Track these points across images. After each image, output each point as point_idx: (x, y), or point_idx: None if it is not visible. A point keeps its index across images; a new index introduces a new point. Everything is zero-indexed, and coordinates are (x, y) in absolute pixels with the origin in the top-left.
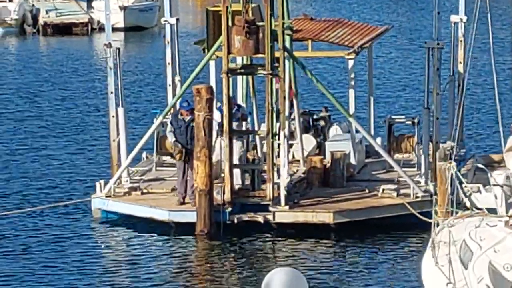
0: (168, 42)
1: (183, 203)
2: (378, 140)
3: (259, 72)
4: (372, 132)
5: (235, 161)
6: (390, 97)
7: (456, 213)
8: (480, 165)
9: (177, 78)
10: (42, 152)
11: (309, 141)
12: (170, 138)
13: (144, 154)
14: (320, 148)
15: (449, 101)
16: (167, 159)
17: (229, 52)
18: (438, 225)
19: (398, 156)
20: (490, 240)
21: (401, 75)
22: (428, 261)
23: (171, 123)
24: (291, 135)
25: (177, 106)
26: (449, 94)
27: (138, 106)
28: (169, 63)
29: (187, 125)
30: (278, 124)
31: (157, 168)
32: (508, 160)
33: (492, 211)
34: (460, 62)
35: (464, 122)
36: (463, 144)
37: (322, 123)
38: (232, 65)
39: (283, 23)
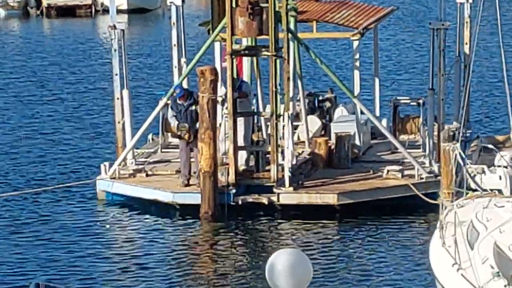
0: (173, 24)
1: (187, 185)
2: (384, 121)
3: (263, 53)
4: (378, 113)
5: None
6: (396, 78)
7: (467, 193)
8: (490, 146)
9: (183, 60)
10: (47, 134)
11: (314, 122)
12: (173, 123)
13: (150, 136)
14: (325, 130)
15: (455, 83)
16: (173, 140)
17: (232, 34)
18: (446, 206)
19: (403, 137)
20: (497, 221)
21: (407, 56)
22: (436, 242)
23: (171, 108)
24: (296, 117)
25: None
26: (455, 75)
27: (143, 88)
28: (175, 45)
29: (186, 109)
30: (282, 105)
31: (163, 150)
32: None
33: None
34: (466, 43)
35: (471, 103)
36: (469, 125)
37: (328, 104)
38: (236, 47)
39: (287, 4)
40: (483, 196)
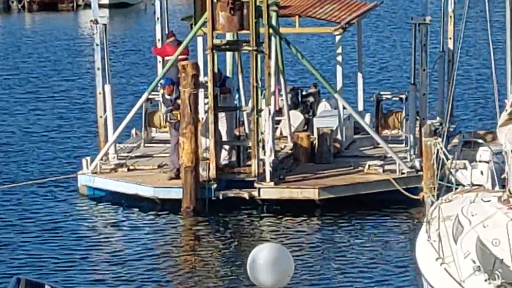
0: (158, 19)
1: (178, 175)
2: (367, 116)
3: (244, 48)
4: (361, 108)
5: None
6: (380, 73)
7: (456, 188)
8: (479, 140)
9: None
10: (28, 128)
11: (297, 117)
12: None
13: (133, 131)
14: (308, 124)
15: (439, 78)
16: (156, 135)
17: (213, 28)
18: (431, 201)
19: (387, 132)
20: (481, 216)
21: (391, 51)
22: (422, 237)
23: (163, 102)
24: (279, 111)
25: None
26: (439, 71)
27: (125, 82)
28: (159, 40)
29: (173, 102)
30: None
31: (146, 144)
32: (500, 136)
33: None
34: (450, 38)
35: (455, 98)
36: (453, 120)
37: (311, 99)
38: (217, 41)
39: None
40: (472, 190)
